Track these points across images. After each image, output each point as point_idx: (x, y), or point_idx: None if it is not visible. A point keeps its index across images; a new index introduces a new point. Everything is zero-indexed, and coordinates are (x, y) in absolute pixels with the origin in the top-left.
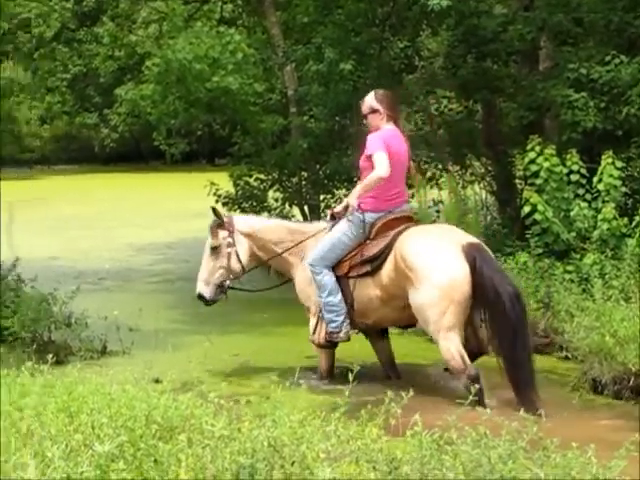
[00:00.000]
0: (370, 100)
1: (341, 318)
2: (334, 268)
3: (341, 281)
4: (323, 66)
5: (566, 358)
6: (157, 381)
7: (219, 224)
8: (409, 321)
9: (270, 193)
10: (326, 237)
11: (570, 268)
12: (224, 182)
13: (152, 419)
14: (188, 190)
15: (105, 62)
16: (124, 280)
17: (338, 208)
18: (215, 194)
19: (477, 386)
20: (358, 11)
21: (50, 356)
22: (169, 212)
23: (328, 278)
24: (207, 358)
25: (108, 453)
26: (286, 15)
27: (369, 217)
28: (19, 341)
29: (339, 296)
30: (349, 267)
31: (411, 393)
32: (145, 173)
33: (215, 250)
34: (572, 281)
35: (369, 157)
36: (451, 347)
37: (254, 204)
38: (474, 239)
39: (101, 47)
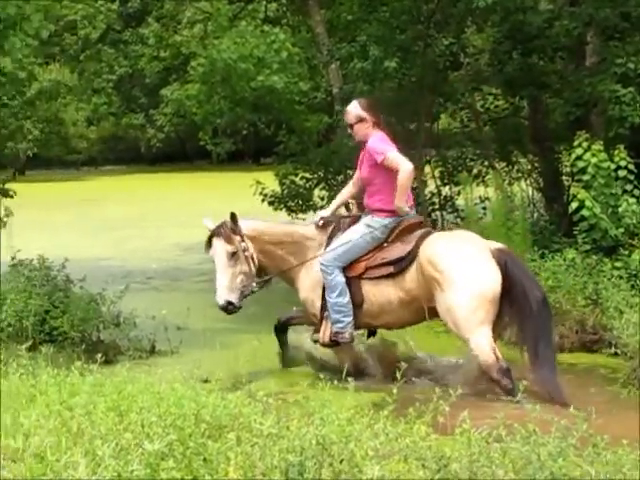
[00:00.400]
0: (356, 109)
1: (348, 319)
2: (345, 269)
3: (352, 282)
4: (368, 64)
5: (615, 355)
6: (206, 381)
7: (232, 229)
8: (416, 322)
9: (316, 192)
10: (342, 239)
11: (618, 264)
12: (270, 181)
13: (201, 418)
14: (234, 189)
15: (150, 63)
16: (172, 279)
17: (327, 213)
18: (261, 193)
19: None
20: (403, 8)
21: (99, 355)
22: (215, 211)
23: (339, 279)
24: (255, 357)
25: (158, 452)
26: (330, 13)
27: (391, 222)
28: (68, 341)
29: (348, 297)
30: (365, 268)
31: (459, 390)
32: (191, 173)
33: (234, 256)
34: (620, 277)
35: (376, 165)
36: (483, 341)
37: (300, 203)
38: (501, 245)
39: (146, 48)
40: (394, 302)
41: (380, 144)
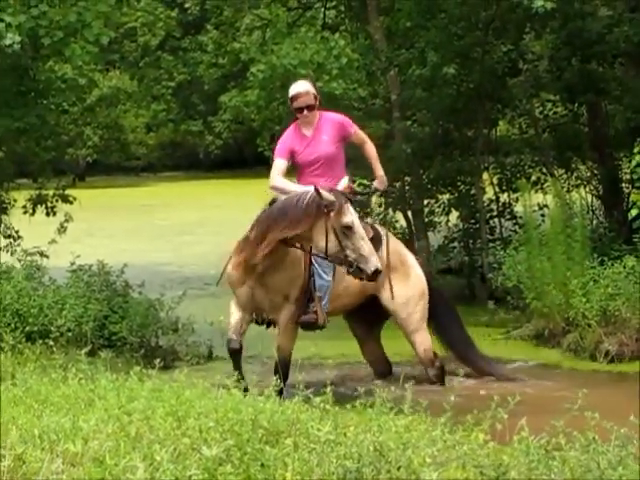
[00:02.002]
0: (312, 89)
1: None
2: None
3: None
4: (426, 70)
5: None
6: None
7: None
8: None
9: (374, 198)
10: None
11: None
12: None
13: (258, 423)
14: None
15: (209, 70)
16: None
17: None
18: None
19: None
20: (461, 15)
21: (157, 361)
22: None
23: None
24: (313, 363)
25: (215, 457)
26: (389, 20)
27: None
28: (127, 346)
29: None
30: None
31: (517, 397)
32: (249, 179)
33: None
34: None
35: (343, 140)
36: (426, 340)
37: (357, 209)
38: None
39: (205, 55)
40: (350, 287)
41: (347, 119)
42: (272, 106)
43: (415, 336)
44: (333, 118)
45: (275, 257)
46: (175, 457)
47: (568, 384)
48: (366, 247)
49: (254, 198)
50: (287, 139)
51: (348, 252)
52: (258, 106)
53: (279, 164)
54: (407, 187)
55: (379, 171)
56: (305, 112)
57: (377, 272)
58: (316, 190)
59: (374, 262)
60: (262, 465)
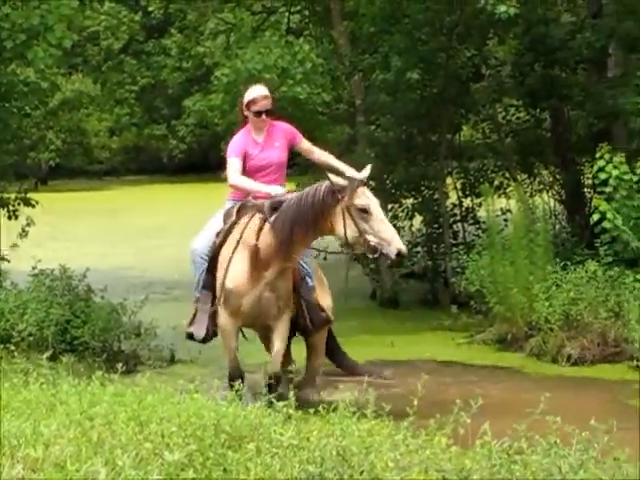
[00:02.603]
0: (269, 93)
1: None
2: None
3: None
4: (390, 75)
5: (637, 367)
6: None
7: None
8: None
9: None
10: None
11: None
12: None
13: (221, 428)
14: None
15: (173, 73)
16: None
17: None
18: None
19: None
20: (425, 20)
21: (120, 365)
22: None
23: None
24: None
25: (177, 462)
26: (353, 25)
27: None
28: (89, 351)
29: None
30: None
31: (480, 402)
32: (213, 183)
33: None
34: None
35: (291, 147)
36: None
37: None
38: None
39: (169, 59)
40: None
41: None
42: (236, 110)
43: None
44: (283, 126)
45: (287, 261)
46: (137, 462)
47: (530, 388)
48: (387, 230)
49: (218, 202)
50: (240, 142)
51: (368, 237)
52: (222, 110)
53: (236, 162)
54: (371, 191)
55: (344, 165)
56: (263, 116)
57: (401, 255)
58: (328, 177)
59: (397, 244)
60: (224, 470)
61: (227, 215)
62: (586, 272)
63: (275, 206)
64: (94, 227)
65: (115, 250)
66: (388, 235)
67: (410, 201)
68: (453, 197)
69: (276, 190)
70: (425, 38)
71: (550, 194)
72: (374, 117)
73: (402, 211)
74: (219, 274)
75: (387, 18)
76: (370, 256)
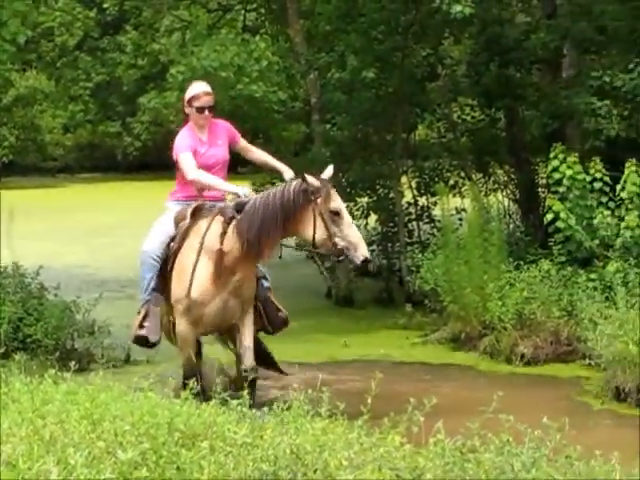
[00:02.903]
0: (210, 89)
1: None
2: None
3: None
4: (346, 74)
5: (589, 366)
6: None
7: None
8: None
9: None
10: None
11: (593, 276)
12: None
13: (174, 426)
14: None
15: (128, 71)
16: None
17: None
18: None
19: None
20: (381, 19)
21: (73, 364)
22: None
23: None
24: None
25: (131, 460)
26: (309, 23)
27: None
28: (42, 349)
29: None
30: None
31: (434, 400)
32: (168, 181)
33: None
34: (595, 289)
35: (230, 145)
36: None
37: None
38: None
39: (124, 55)
40: None
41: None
42: None
43: None
44: (223, 124)
45: (253, 265)
46: (90, 461)
47: (484, 387)
48: (355, 234)
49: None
50: (188, 139)
51: (337, 239)
52: (177, 108)
53: (190, 157)
54: None
55: (282, 165)
56: (206, 113)
57: (367, 261)
58: (302, 177)
59: (363, 250)
60: (178, 468)
61: (179, 217)
62: (539, 271)
63: (238, 209)
64: (47, 225)
65: (68, 248)
66: (355, 240)
67: (365, 200)
68: (408, 196)
69: (244, 191)
70: (381, 37)
71: (504, 193)
72: (330, 116)
73: (357, 210)
74: (179, 282)
75: (343, 17)
76: (335, 259)
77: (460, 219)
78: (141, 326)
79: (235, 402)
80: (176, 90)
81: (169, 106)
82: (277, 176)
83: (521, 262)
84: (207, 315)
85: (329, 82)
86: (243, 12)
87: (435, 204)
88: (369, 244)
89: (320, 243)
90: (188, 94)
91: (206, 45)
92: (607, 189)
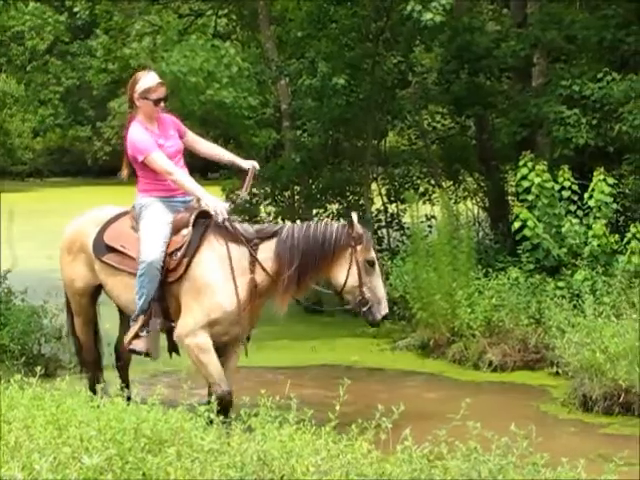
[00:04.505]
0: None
1: None
2: None
3: None
4: (316, 80)
5: (557, 374)
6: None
7: None
8: None
9: (262, 207)
10: None
11: (561, 284)
12: (216, 196)
13: (141, 432)
14: None
15: (98, 75)
16: None
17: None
18: None
19: None
20: (352, 26)
21: (39, 369)
22: None
23: None
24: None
25: (96, 466)
26: (280, 29)
27: None
28: (8, 354)
29: None
30: None
31: (402, 407)
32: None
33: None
34: (563, 297)
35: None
36: None
37: (246, 218)
38: None
39: (94, 60)
40: None
41: None
42: None
43: None
44: (169, 116)
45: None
46: (55, 466)
47: (452, 394)
48: (382, 289)
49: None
50: (146, 134)
51: (365, 289)
52: None
53: (163, 156)
54: (296, 196)
55: (235, 156)
56: (162, 104)
57: (386, 317)
58: (350, 221)
59: (385, 306)
60: (144, 474)
61: (180, 224)
62: (508, 279)
63: (261, 236)
64: (16, 229)
65: (37, 252)
66: (381, 294)
67: (335, 206)
68: (378, 203)
69: (218, 207)
70: (352, 44)
71: (474, 201)
72: (300, 122)
73: (327, 216)
74: (208, 294)
75: (314, 23)
76: (355, 308)
77: (430, 226)
78: (137, 336)
79: (203, 408)
80: None
81: None
82: (239, 187)
83: (490, 270)
84: (229, 332)
85: (300, 88)
86: (214, 18)
87: (405, 211)
88: None
89: (349, 290)
90: (141, 86)
91: (176, 50)
92: (575, 197)
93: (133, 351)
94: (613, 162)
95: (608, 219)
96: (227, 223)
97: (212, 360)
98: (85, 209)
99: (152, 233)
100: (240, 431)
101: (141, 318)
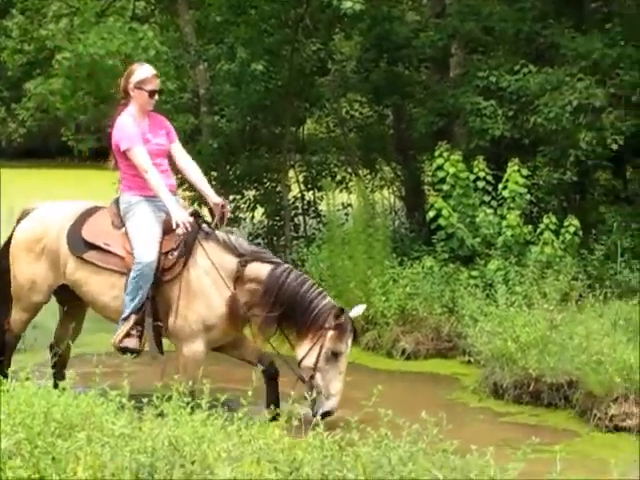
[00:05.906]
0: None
1: None
2: None
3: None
4: (235, 66)
5: (469, 362)
6: None
7: None
8: None
9: (179, 192)
10: None
11: (475, 273)
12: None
13: (51, 416)
14: (97, 187)
15: (14, 56)
16: None
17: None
18: None
19: None
20: (271, 12)
21: None
22: None
23: None
24: (113, 357)
25: (5, 450)
26: (199, 14)
27: None
28: None
29: None
30: None
31: (314, 394)
32: (53, 169)
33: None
34: (476, 286)
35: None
36: None
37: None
38: None
39: (10, 40)
40: None
41: None
42: (77, 96)
43: None
44: (160, 116)
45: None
46: None
47: (364, 381)
48: (337, 385)
49: (58, 189)
50: (135, 127)
51: (318, 376)
52: (63, 95)
53: (145, 152)
54: (213, 182)
55: (209, 189)
56: (156, 97)
57: (328, 414)
58: (340, 309)
59: (333, 404)
60: (53, 459)
61: (171, 222)
62: (423, 268)
63: (257, 258)
64: None
65: None
66: (334, 390)
67: (252, 193)
68: (295, 190)
69: (178, 217)
70: (271, 30)
71: (391, 190)
72: (218, 107)
73: (244, 203)
74: (200, 301)
75: (233, 8)
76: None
77: (346, 214)
78: (128, 334)
79: (114, 393)
80: (62, 77)
81: (55, 92)
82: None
83: (405, 258)
84: (219, 340)
85: (218, 74)
86: (132, 0)
87: (322, 199)
88: (255, 237)
89: (303, 367)
90: (136, 77)
91: (93, 32)
92: (490, 188)
93: (125, 349)
94: (528, 154)
95: (522, 210)
96: (218, 233)
97: (196, 376)
98: (2, 191)
99: (145, 233)
100: (152, 416)
101: (133, 317)
